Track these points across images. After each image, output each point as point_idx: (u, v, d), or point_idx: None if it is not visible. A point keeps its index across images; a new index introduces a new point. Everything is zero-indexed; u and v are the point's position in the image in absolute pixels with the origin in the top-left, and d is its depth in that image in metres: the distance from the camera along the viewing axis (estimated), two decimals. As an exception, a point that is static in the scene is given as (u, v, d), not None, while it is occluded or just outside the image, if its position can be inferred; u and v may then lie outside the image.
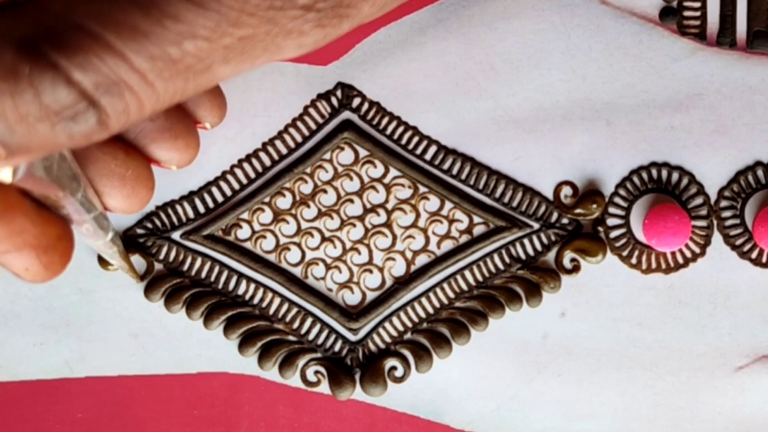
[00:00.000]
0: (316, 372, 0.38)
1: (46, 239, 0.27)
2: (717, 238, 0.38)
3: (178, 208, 0.38)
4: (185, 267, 0.38)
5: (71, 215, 0.28)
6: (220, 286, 0.38)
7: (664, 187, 0.38)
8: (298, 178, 0.38)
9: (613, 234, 0.38)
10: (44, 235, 0.27)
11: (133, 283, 0.38)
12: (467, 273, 0.38)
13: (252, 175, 0.38)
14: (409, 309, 0.38)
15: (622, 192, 0.38)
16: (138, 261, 0.38)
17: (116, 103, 0.23)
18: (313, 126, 0.38)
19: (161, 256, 0.38)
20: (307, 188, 0.38)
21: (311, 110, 0.38)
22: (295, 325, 0.38)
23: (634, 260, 0.38)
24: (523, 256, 0.38)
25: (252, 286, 0.38)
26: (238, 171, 0.38)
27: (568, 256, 0.38)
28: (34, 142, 0.22)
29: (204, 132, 0.38)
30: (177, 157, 0.31)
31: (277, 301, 0.38)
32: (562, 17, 0.38)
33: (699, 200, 0.38)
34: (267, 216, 0.38)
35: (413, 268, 0.38)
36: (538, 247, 0.38)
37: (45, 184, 0.26)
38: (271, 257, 0.38)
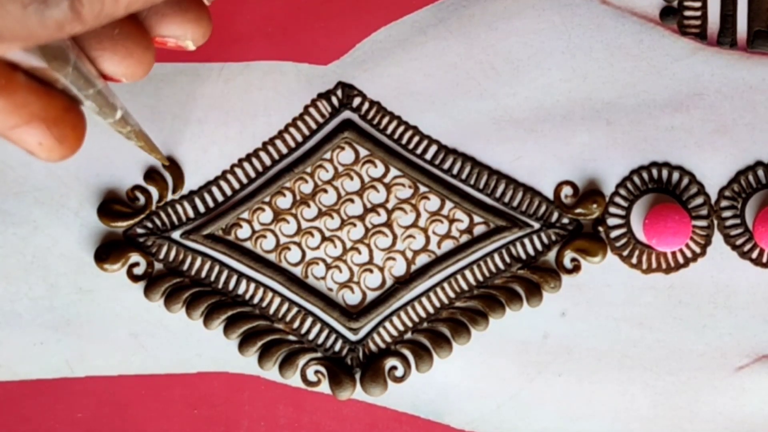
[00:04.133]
0: (317, 372, 0.38)
1: (54, 111, 0.27)
2: (717, 237, 0.38)
3: (178, 207, 0.38)
4: (185, 267, 0.38)
5: (69, 90, 0.28)
6: (220, 285, 0.38)
7: (664, 187, 0.38)
8: (299, 178, 0.38)
9: (614, 234, 0.38)
10: (50, 107, 0.27)
11: (133, 283, 0.38)
12: (468, 273, 0.38)
13: (252, 174, 0.38)
14: (409, 309, 0.38)
15: (622, 192, 0.38)
16: (138, 261, 0.38)
17: None
18: (314, 125, 0.38)
19: (161, 256, 0.38)
20: (307, 188, 0.38)
21: (312, 110, 0.38)
22: (296, 324, 0.38)
23: (634, 260, 0.38)
24: (523, 255, 0.38)
25: (252, 285, 0.38)
26: (238, 170, 0.38)
27: (568, 255, 0.38)
28: (6, 27, 0.22)
29: (204, 132, 0.38)
30: (191, 31, 0.31)
31: (277, 300, 0.38)
32: (563, 17, 0.38)
33: (699, 200, 0.38)
34: (267, 215, 0.38)
35: (413, 267, 0.38)
36: (539, 246, 0.38)
37: (28, 57, 0.26)
38: (272, 257, 0.38)
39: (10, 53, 0.25)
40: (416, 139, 0.38)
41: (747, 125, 0.38)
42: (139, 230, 0.38)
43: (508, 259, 0.38)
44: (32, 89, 0.27)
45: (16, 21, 0.23)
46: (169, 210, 0.38)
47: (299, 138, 0.38)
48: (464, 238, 0.38)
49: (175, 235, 0.38)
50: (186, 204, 0.38)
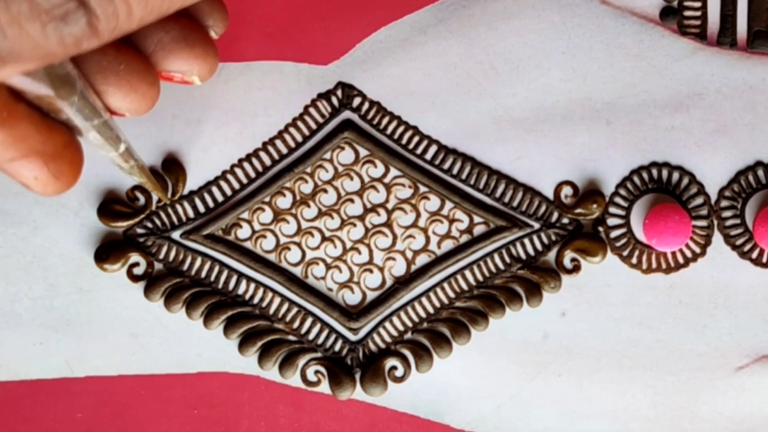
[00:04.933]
0: (317, 372, 0.38)
1: (52, 146, 0.27)
2: (717, 237, 0.38)
3: (178, 207, 0.38)
4: (185, 267, 0.38)
5: (72, 122, 0.28)
6: (220, 285, 0.38)
7: (664, 187, 0.38)
8: (299, 178, 0.38)
9: (614, 234, 0.38)
10: (49, 142, 0.27)
11: (133, 283, 0.38)
12: (467, 273, 0.38)
13: (252, 174, 0.38)
14: (409, 309, 0.38)
15: (622, 192, 0.38)
16: (138, 261, 0.38)
17: (105, 4, 0.23)
18: (314, 125, 0.38)
19: (161, 256, 0.38)
20: (307, 188, 0.38)
21: (312, 110, 0.38)
22: (296, 324, 0.38)
23: (634, 260, 0.38)
24: (523, 255, 0.38)
25: (252, 285, 0.38)
26: (238, 170, 0.38)
27: (568, 255, 0.38)
28: (26, 47, 0.22)
29: (204, 132, 0.38)
30: (197, 67, 0.31)
31: (277, 300, 0.38)
32: (563, 17, 0.38)
33: (699, 200, 0.38)
34: (267, 215, 0.38)
35: (413, 267, 0.38)
36: (539, 246, 0.38)
37: (35, 85, 0.25)
38: (272, 257, 0.38)
39: (17, 79, 0.25)
40: (416, 139, 0.38)
41: (747, 125, 0.38)
42: (139, 230, 0.38)
43: (508, 259, 0.38)
44: (33, 122, 0.27)
45: (36, 40, 0.23)
46: (169, 210, 0.38)
47: (299, 138, 0.38)
48: (464, 238, 0.38)
49: (175, 235, 0.38)
50: (186, 204, 0.38)
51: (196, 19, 0.32)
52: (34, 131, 0.27)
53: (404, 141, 0.38)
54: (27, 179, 0.28)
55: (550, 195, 0.38)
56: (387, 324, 0.38)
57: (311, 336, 0.38)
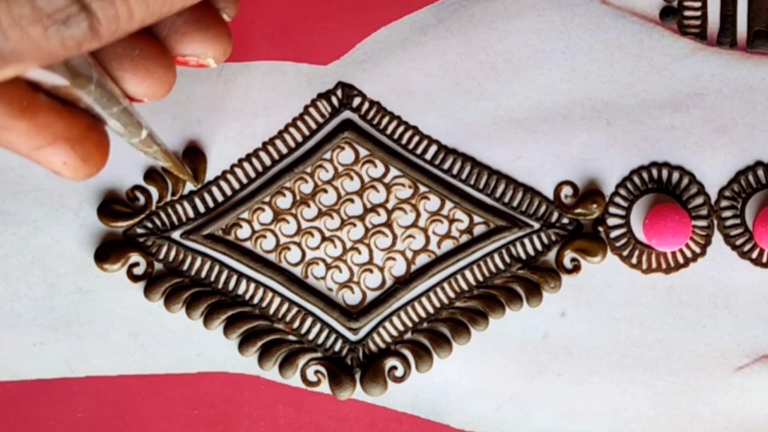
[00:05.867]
0: (317, 372, 0.38)
1: (77, 131, 0.28)
2: (717, 238, 0.38)
3: (178, 207, 0.38)
4: (185, 267, 0.38)
5: (93, 110, 0.28)
6: (220, 285, 0.38)
7: (664, 187, 0.38)
8: (299, 178, 0.38)
9: (614, 234, 0.38)
10: (73, 127, 0.28)
11: (133, 283, 0.38)
12: (467, 273, 0.38)
13: (252, 174, 0.38)
14: (409, 309, 0.38)
15: (622, 192, 0.38)
16: (138, 261, 0.38)
17: (107, 7, 0.23)
18: (314, 125, 0.38)
19: (161, 256, 0.38)
20: (307, 188, 0.38)
21: (312, 110, 0.38)
22: (296, 324, 0.38)
23: (634, 260, 0.38)
24: (523, 255, 0.38)
25: (252, 285, 0.38)
26: (238, 170, 0.38)
27: (568, 255, 0.38)
28: (27, 48, 0.23)
29: (204, 132, 0.38)
30: (211, 49, 0.31)
31: (277, 300, 0.38)
32: (563, 17, 0.38)
33: (699, 200, 0.38)
34: (267, 215, 0.38)
35: (413, 267, 0.38)
36: (539, 246, 0.38)
37: (50, 76, 0.26)
38: (272, 257, 0.38)
39: (31, 72, 0.25)
40: (416, 139, 0.38)
41: (747, 125, 0.38)
42: (139, 230, 0.38)
43: (508, 259, 0.38)
44: (54, 110, 0.27)
45: (37, 42, 0.23)
46: (169, 210, 0.38)
47: (299, 138, 0.38)
48: (464, 238, 0.38)
49: (175, 235, 0.38)
50: (186, 204, 0.38)
51: (208, 1, 0.32)
52: (57, 118, 0.27)
53: (404, 141, 0.38)
54: (56, 165, 0.28)
55: (550, 195, 0.38)
56: (387, 324, 0.38)
57: (311, 336, 0.38)
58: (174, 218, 0.38)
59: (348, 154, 0.38)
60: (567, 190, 0.38)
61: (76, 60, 0.27)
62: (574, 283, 0.38)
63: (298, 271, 0.38)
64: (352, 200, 0.38)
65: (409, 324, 0.38)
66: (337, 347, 0.38)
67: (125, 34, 0.25)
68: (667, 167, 0.38)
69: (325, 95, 0.38)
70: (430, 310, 0.38)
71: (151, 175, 0.38)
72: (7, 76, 0.24)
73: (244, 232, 0.38)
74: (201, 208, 0.38)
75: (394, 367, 0.38)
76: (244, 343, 0.38)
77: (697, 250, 0.38)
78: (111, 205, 0.38)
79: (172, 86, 0.31)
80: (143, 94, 0.30)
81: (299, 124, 0.38)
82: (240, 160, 0.38)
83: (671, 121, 0.38)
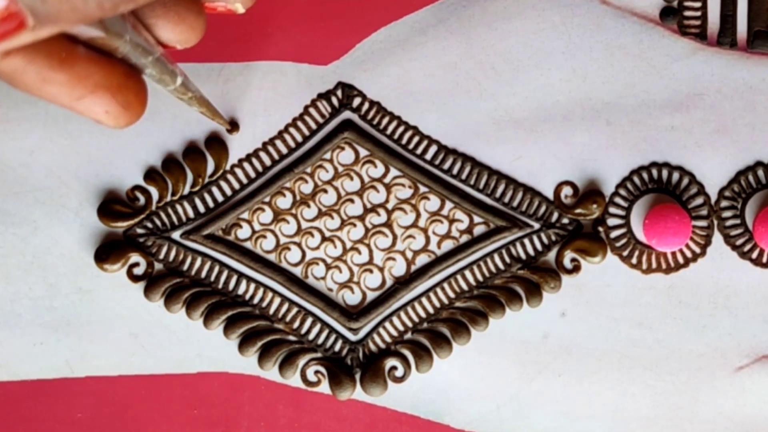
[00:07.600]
0: (317, 372, 0.38)
1: (116, 78, 0.28)
2: (717, 238, 0.38)
3: (178, 207, 0.38)
4: (185, 267, 0.38)
5: (129, 59, 0.29)
6: (220, 286, 0.38)
7: (664, 187, 0.38)
8: (299, 178, 0.38)
9: (614, 234, 0.38)
10: (112, 75, 0.28)
11: (133, 284, 0.38)
12: (467, 273, 0.38)
13: (252, 174, 0.38)
14: (409, 309, 0.38)
15: (622, 192, 0.38)
16: (138, 261, 0.38)
17: None
18: (314, 126, 0.38)
19: (161, 256, 0.38)
20: (307, 188, 0.38)
21: (312, 110, 0.38)
22: (296, 325, 0.38)
23: (634, 260, 0.38)
24: (523, 256, 0.38)
25: (252, 286, 0.38)
26: (238, 171, 0.38)
27: (568, 256, 0.38)
28: (64, 10, 0.23)
29: (204, 132, 0.38)
30: None
31: (277, 301, 0.38)
32: (563, 17, 0.38)
33: (699, 200, 0.38)
34: (267, 216, 0.38)
35: (413, 267, 0.38)
36: (539, 247, 0.38)
37: (85, 29, 0.26)
38: (272, 257, 0.38)
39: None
40: (416, 139, 0.38)
41: (747, 125, 0.38)
42: (139, 230, 0.38)
43: (508, 260, 0.38)
44: (93, 60, 0.27)
45: (75, 4, 0.23)
46: (169, 210, 0.38)
47: (299, 138, 0.38)
48: (464, 238, 0.38)
49: (175, 235, 0.38)
50: (186, 204, 0.38)
51: None
52: (96, 68, 0.27)
53: (404, 141, 0.38)
54: (98, 114, 0.28)
55: (550, 195, 0.38)
56: (387, 324, 0.38)
57: (311, 336, 0.38)
58: (174, 218, 0.38)
59: (348, 154, 0.38)
60: (567, 190, 0.38)
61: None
62: (574, 284, 0.38)
63: (298, 271, 0.38)
64: (352, 200, 0.38)
65: (409, 324, 0.38)
66: (337, 347, 0.38)
67: None
68: (667, 167, 0.38)
69: (325, 95, 0.38)
70: (430, 310, 0.38)
71: (151, 175, 0.38)
72: (44, 35, 0.24)
73: (244, 232, 0.38)
74: (201, 208, 0.38)
75: (394, 367, 0.38)
76: (244, 343, 0.38)
77: (697, 250, 0.38)
78: (111, 205, 0.38)
79: (203, 32, 0.31)
80: (176, 40, 0.30)
81: (299, 124, 0.38)
82: (240, 160, 0.38)
83: (671, 121, 0.38)
